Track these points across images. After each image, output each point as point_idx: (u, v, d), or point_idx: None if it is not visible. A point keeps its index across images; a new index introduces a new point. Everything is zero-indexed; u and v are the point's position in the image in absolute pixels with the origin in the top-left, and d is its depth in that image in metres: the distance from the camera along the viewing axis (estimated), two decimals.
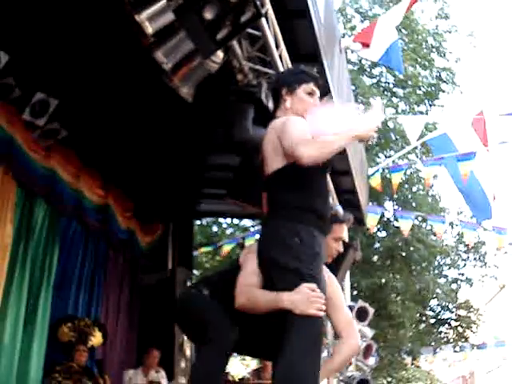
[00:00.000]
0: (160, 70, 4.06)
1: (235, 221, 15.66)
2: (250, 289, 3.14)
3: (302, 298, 2.93)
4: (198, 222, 13.98)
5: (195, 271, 14.59)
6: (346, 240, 3.88)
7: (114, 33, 5.07)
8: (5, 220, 5.95)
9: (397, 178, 12.11)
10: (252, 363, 16.79)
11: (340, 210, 3.96)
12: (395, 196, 15.47)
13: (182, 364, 8.67)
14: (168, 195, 8.39)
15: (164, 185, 8.09)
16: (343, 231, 3.81)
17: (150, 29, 3.92)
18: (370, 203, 12.89)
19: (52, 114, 5.89)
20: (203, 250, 14.61)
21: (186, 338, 3.71)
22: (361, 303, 8.38)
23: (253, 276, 3.16)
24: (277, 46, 5.07)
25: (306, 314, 2.92)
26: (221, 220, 16.06)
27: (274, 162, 3.15)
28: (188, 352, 8.80)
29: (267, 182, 3.21)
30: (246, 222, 15.56)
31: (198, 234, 14.75)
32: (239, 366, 19.84)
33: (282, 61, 5.16)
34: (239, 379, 9.95)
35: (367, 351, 8.28)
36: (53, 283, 6.72)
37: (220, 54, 4.39)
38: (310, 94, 3.33)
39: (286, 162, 3.10)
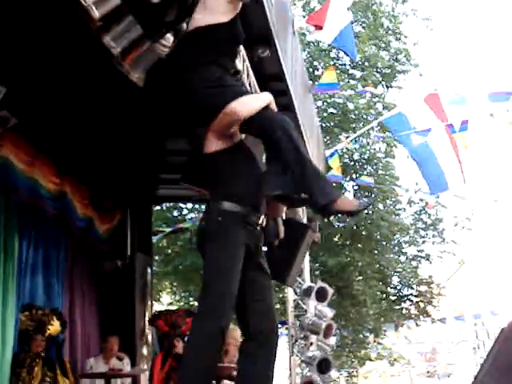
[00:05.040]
0: (110, 55, 4.02)
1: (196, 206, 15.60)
2: None
3: None
4: (157, 208, 13.89)
5: (156, 257, 14.53)
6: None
7: (62, 17, 4.96)
8: None
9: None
10: None
11: None
12: (354, 177, 15.61)
13: (144, 350, 8.68)
14: (125, 181, 8.33)
15: (121, 171, 8.02)
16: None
17: (96, 13, 3.86)
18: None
19: (0, 102, 5.77)
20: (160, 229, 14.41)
21: None
22: (320, 284, 8.46)
23: None
24: None
25: None
26: (182, 205, 15.99)
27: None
28: (150, 338, 8.81)
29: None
30: None
31: (158, 220, 14.65)
32: None
33: None
34: None
35: (327, 331, 8.36)
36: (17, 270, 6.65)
37: (170, 38, 4.36)
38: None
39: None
